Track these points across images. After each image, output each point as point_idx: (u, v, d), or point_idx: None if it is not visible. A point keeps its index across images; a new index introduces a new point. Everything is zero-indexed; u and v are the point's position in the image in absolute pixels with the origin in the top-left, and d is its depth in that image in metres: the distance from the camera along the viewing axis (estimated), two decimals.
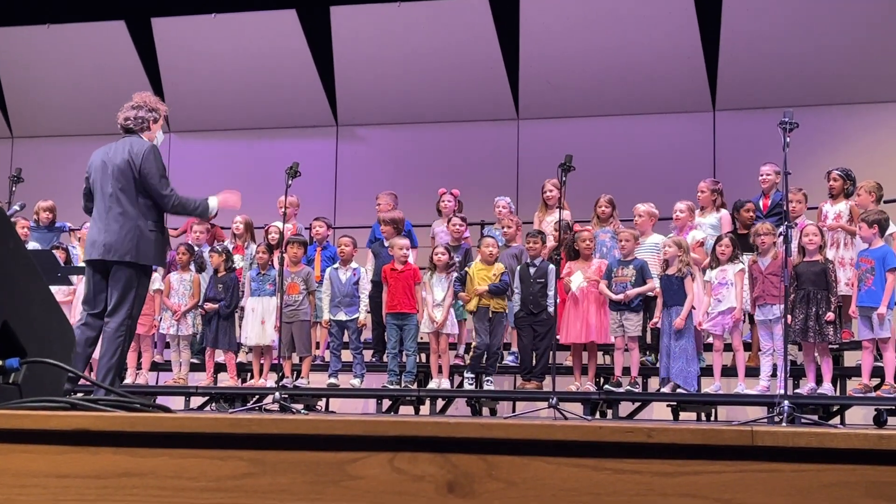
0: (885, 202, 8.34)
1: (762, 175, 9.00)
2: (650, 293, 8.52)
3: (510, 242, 9.40)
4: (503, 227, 9.50)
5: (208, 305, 9.57)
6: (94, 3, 12.75)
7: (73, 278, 9.54)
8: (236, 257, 10.02)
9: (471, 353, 9.11)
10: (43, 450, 1.86)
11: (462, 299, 8.90)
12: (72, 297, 9.78)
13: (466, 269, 9.00)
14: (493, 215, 9.92)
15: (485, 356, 8.77)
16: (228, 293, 9.56)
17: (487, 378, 8.77)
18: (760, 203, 9.01)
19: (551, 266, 8.56)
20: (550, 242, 9.05)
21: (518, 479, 1.77)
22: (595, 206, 9.45)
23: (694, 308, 8.25)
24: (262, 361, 9.46)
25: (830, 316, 7.67)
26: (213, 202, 6.56)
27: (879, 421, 7.73)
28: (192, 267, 9.82)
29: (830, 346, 7.96)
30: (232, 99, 13.07)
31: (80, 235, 10.72)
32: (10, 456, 1.87)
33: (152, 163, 6.17)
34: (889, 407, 7.68)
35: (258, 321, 9.36)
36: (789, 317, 7.57)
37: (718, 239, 8.37)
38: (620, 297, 8.40)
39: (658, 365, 8.53)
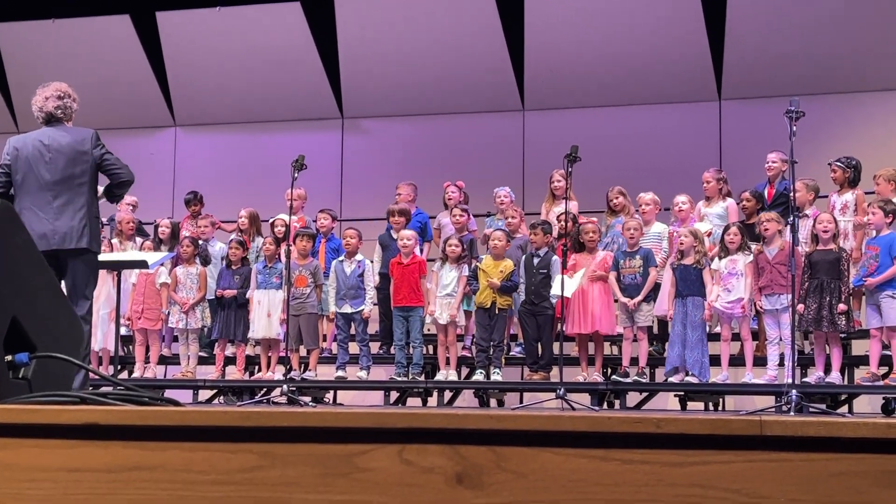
0: None
1: (768, 162, 8.97)
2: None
3: (514, 233, 9.38)
4: (507, 218, 9.47)
5: (228, 292, 9.57)
6: None
7: None
8: None
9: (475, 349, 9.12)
10: (53, 444, 1.86)
11: (478, 303, 8.87)
12: None
13: (477, 264, 8.99)
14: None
15: (488, 351, 8.76)
16: (243, 283, 9.58)
17: (495, 369, 8.77)
18: (765, 192, 8.98)
19: (556, 257, 8.56)
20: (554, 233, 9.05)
21: (527, 470, 1.77)
22: (607, 198, 9.41)
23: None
24: (269, 354, 9.48)
25: (842, 307, 7.66)
26: None
27: (888, 410, 7.72)
28: (197, 260, 9.84)
29: (840, 335, 7.96)
30: (237, 92, 13.07)
31: None
32: (21, 451, 1.88)
33: (104, 147, 6.06)
34: None
35: (264, 314, 9.37)
36: (801, 306, 7.58)
37: (727, 228, 8.36)
38: (629, 302, 8.41)
39: (665, 355, 8.53)
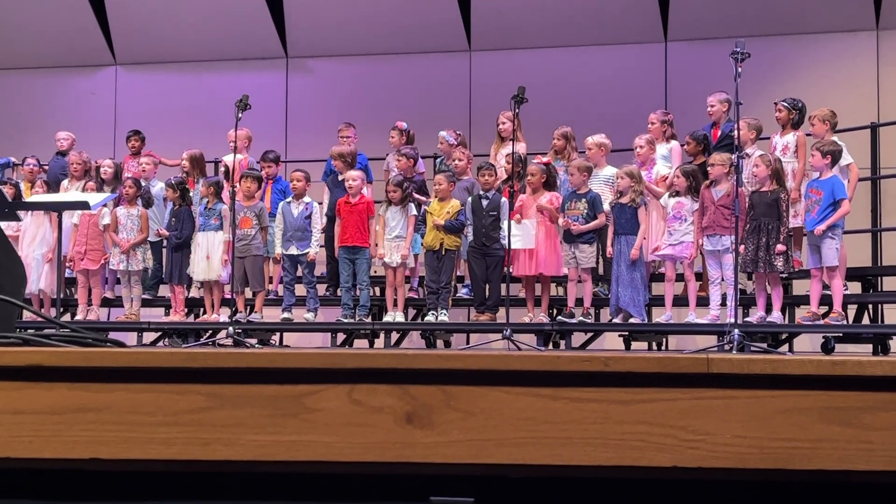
0: (837, 132, 8.37)
1: (709, 106, 9.01)
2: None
3: (461, 175, 9.35)
4: (454, 161, 9.44)
5: (160, 231, 9.53)
6: None
7: (21, 214, 9.44)
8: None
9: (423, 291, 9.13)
10: None
11: (427, 246, 8.85)
12: (19, 233, 9.69)
13: (426, 208, 8.98)
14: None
15: (438, 293, 8.78)
16: (180, 225, 9.49)
17: (442, 310, 8.79)
18: (710, 133, 9.03)
19: (504, 199, 8.56)
20: (502, 175, 9.04)
21: (476, 409, 1.78)
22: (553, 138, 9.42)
23: (645, 238, 8.32)
24: (213, 297, 9.41)
25: (780, 248, 7.74)
26: None
27: (827, 348, 7.87)
28: (139, 202, 9.72)
29: (780, 276, 8.06)
30: (179, 30, 12.80)
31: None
32: None
33: None
34: (836, 334, 7.83)
35: (203, 256, 9.30)
36: (742, 247, 7.65)
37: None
38: (566, 224, 8.36)
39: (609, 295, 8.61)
